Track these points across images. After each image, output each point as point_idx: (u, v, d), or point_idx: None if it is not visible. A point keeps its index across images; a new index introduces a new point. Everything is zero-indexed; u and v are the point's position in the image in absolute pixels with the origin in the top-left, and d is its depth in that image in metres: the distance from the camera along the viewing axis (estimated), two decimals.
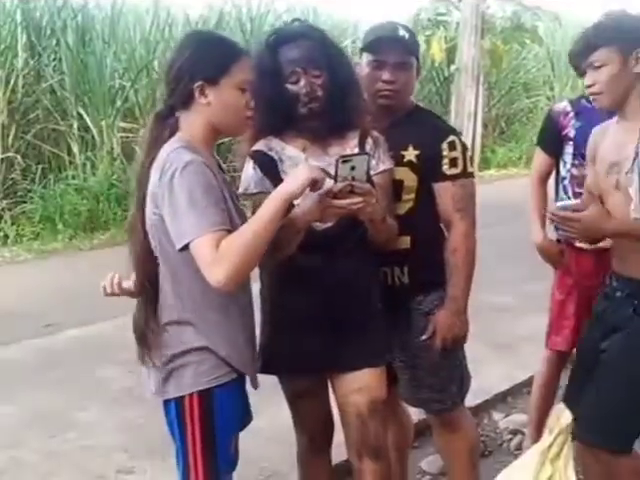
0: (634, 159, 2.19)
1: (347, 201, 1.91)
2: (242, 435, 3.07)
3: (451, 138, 2.40)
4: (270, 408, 2.65)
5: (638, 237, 2.22)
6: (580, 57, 2.30)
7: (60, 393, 4.00)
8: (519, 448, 3.32)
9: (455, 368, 2.52)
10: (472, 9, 10.69)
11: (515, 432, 3.47)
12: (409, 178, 2.39)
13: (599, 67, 2.24)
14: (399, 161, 2.37)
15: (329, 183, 1.91)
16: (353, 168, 1.89)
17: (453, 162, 2.38)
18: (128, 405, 3.68)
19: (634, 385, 2.23)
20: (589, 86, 2.28)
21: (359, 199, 1.90)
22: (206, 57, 1.93)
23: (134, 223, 1.99)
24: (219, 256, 1.77)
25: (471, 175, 2.45)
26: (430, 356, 2.46)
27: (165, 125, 1.97)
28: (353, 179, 1.90)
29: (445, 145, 2.38)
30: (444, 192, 2.40)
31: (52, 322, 5.08)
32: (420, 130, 2.39)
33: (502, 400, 3.80)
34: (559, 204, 2.43)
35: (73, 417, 3.73)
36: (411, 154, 2.40)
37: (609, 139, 2.34)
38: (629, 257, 2.28)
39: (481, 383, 3.49)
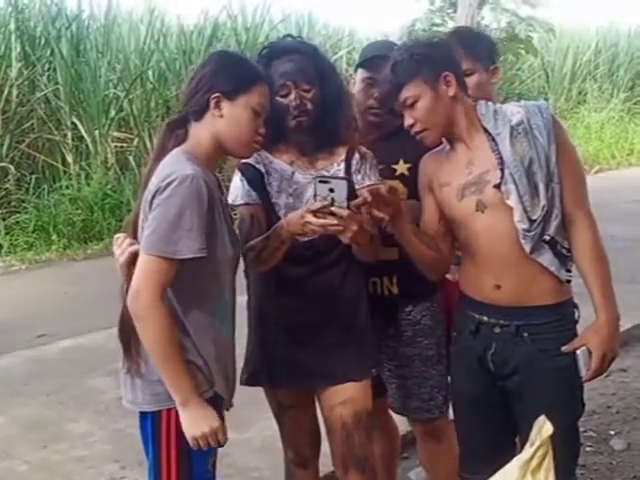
0: (501, 170, 2.03)
1: (322, 221, 1.95)
2: (233, 446, 3.08)
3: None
4: (261, 418, 2.66)
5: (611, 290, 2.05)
6: (391, 100, 2.14)
7: (52, 403, 4.02)
8: None
9: (442, 377, 2.54)
10: (467, 20, 10.68)
11: None
12: (400, 191, 2.39)
13: (413, 104, 2.08)
14: (390, 175, 2.40)
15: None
16: (332, 190, 1.94)
17: None
18: (119, 415, 3.67)
19: (569, 426, 2.10)
20: (411, 126, 2.11)
21: (336, 222, 1.95)
22: (229, 72, 1.95)
23: (127, 226, 2.01)
24: (146, 301, 1.80)
25: None
26: (418, 366, 2.50)
27: (172, 135, 1.99)
28: (332, 201, 1.94)
29: None
30: None
31: (45, 332, 5.09)
32: (410, 144, 2.40)
33: None
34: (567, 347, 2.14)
35: (65, 427, 3.74)
36: (402, 167, 2.43)
37: (448, 163, 2.16)
38: (508, 283, 2.07)
39: None
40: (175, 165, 1.88)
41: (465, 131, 2.11)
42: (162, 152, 1.97)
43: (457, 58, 2.21)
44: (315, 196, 1.97)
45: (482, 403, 2.19)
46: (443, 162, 2.18)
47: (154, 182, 1.88)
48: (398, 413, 2.68)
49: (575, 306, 2.15)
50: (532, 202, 2.00)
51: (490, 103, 2.15)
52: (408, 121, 2.11)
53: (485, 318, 2.13)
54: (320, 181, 1.96)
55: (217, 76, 1.94)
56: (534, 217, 2.00)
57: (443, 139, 2.19)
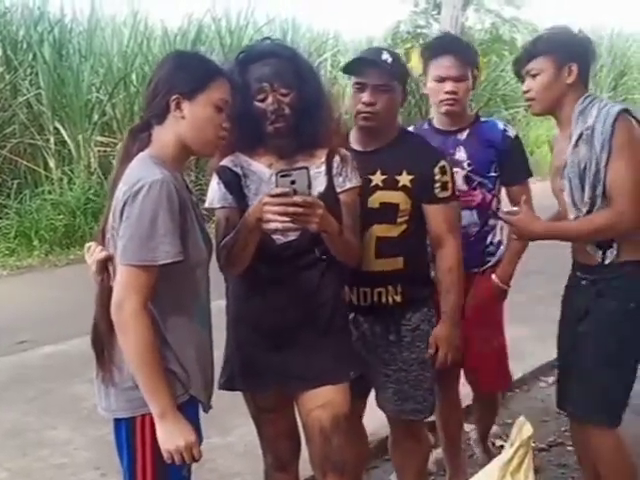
0: (564, 166, 2.38)
1: (281, 199, 1.93)
2: (215, 451, 3.04)
3: (442, 163, 2.48)
4: (242, 423, 2.64)
5: (563, 239, 2.48)
6: (520, 65, 2.48)
7: (33, 410, 3.98)
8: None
9: (432, 380, 2.60)
10: (451, 21, 10.71)
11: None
12: (404, 201, 2.46)
13: (535, 75, 2.43)
14: (393, 185, 2.44)
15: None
16: (293, 182, 1.94)
17: (444, 186, 2.47)
18: (101, 422, 3.57)
19: (611, 360, 2.41)
20: (525, 92, 2.47)
21: (295, 200, 1.93)
22: (186, 72, 1.94)
23: (97, 233, 2.00)
24: (130, 311, 1.80)
25: (457, 198, 2.57)
26: (416, 369, 2.54)
27: (136, 140, 1.97)
28: (295, 192, 1.94)
29: (437, 170, 2.45)
30: (437, 214, 2.48)
31: (26, 339, 5.05)
32: (412, 155, 2.46)
33: (472, 413, 3.79)
34: (505, 209, 2.61)
35: (45, 435, 3.70)
36: (405, 179, 2.45)
37: (557, 146, 2.53)
38: (582, 248, 2.46)
39: None
40: (143, 171, 1.86)
41: (566, 120, 2.42)
42: (127, 158, 1.95)
43: (592, 57, 2.51)
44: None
45: None
46: (557, 143, 2.55)
47: (122, 189, 1.86)
48: (393, 417, 2.68)
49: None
50: (581, 197, 2.35)
51: (587, 100, 2.39)
52: (525, 87, 2.47)
53: (578, 273, 2.54)
54: (282, 175, 1.95)
55: (174, 77, 1.93)
56: (582, 208, 2.35)
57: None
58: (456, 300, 2.53)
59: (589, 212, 2.35)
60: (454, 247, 2.50)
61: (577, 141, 2.35)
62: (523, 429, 1.69)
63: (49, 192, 8.00)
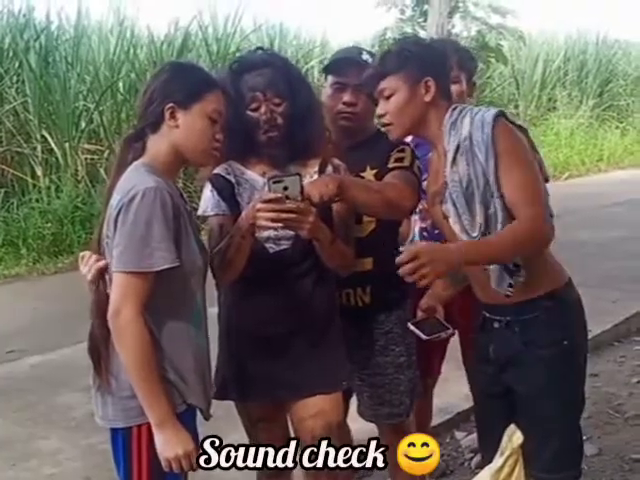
0: (445, 188, 2.08)
1: (272, 205, 1.94)
2: None
3: (402, 147, 2.42)
4: (236, 430, 2.62)
5: (486, 259, 2.03)
6: (371, 86, 2.15)
7: (21, 420, 3.95)
8: (480, 466, 3.31)
9: (410, 382, 2.58)
10: (437, 29, 10.76)
11: (476, 451, 3.42)
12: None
13: (389, 96, 2.10)
14: None
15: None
16: (286, 188, 1.95)
17: (398, 160, 2.38)
18: (91, 431, 3.62)
19: (562, 416, 2.15)
20: (380, 116, 2.15)
21: (288, 207, 1.94)
22: (181, 82, 1.96)
23: (93, 243, 2.00)
24: (127, 318, 1.80)
25: (415, 174, 2.37)
26: (390, 373, 2.53)
27: (130, 149, 1.99)
28: (287, 198, 1.95)
29: (394, 151, 2.40)
30: (387, 178, 2.35)
31: (14, 348, 5.02)
32: (378, 151, 2.43)
33: (464, 419, 3.78)
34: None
35: (34, 445, 3.68)
36: (369, 174, 2.43)
37: (431, 168, 2.23)
38: (488, 284, 2.12)
39: (444, 402, 3.51)
40: (136, 179, 1.87)
41: (437, 138, 2.12)
42: (122, 167, 1.96)
43: (448, 67, 2.24)
44: None
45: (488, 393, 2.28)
46: (432, 165, 2.24)
47: (117, 198, 1.87)
48: (369, 421, 2.67)
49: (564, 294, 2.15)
50: (471, 221, 2.04)
51: (456, 111, 2.12)
52: (379, 110, 2.14)
53: (487, 314, 2.21)
54: (274, 181, 1.96)
55: (169, 87, 1.95)
56: (473, 234, 2.04)
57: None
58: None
59: (484, 234, 2.02)
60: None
61: (454, 156, 2.04)
62: (513, 437, 1.68)
63: (36, 200, 7.95)
